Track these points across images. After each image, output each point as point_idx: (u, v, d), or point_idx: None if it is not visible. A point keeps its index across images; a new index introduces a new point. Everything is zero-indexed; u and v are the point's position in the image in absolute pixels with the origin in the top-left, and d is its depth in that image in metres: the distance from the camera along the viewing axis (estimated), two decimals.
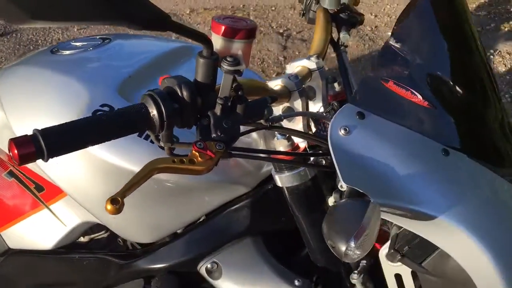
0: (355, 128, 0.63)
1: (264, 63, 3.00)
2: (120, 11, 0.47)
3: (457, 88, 0.70)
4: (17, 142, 0.51)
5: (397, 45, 0.69)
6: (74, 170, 0.84)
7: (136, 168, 0.76)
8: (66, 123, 0.55)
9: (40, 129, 0.52)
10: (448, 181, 0.64)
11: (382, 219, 0.67)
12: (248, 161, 0.83)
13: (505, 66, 2.93)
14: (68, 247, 1.02)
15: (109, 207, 0.53)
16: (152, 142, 0.77)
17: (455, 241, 0.65)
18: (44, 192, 0.99)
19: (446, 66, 0.71)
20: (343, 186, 0.62)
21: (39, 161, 0.85)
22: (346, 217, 0.57)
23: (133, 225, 0.87)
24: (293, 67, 0.84)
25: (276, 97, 0.70)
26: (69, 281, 1.02)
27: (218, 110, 0.62)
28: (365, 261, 0.81)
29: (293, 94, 0.79)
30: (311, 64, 0.83)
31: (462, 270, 0.67)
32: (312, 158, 0.76)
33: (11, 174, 1.03)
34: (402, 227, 0.71)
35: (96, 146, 0.57)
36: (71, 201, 0.94)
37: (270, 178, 0.83)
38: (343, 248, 0.55)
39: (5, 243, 1.10)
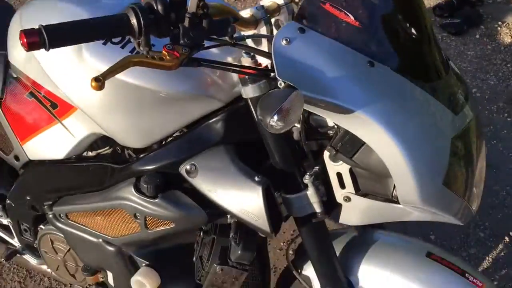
0: (295, 40, 0.78)
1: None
2: None
3: (386, 11, 0.84)
4: (26, 32, 0.68)
5: None
6: (86, 86, 1.02)
7: (139, 83, 0.94)
8: (64, 22, 0.72)
9: (44, 25, 0.69)
10: (369, 85, 0.80)
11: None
12: (222, 78, 0.98)
13: None
14: (77, 158, 1.21)
15: (93, 84, 0.70)
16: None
17: (374, 135, 0.80)
18: (58, 109, 1.17)
19: None
20: (281, 83, 0.77)
21: (57, 79, 1.02)
22: (274, 99, 0.73)
23: (128, 132, 1.04)
24: (265, 2, 0.99)
25: (238, 18, 0.86)
26: (77, 185, 1.21)
27: (186, 23, 0.78)
28: (317, 167, 0.97)
29: (260, 23, 0.95)
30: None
31: (382, 162, 0.82)
32: (272, 74, 0.92)
33: (32, 94, 1.22)
34: (340, 130, 0.87)
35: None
36: (80, 116, 1.11)
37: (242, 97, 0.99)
38: (268, 119, 0.71)
39: (26, 155, 1.30)
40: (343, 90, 0.78)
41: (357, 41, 0.81)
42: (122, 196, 1.07)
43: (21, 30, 0.68)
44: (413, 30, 0.88)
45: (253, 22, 0.93)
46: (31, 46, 0.69)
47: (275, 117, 0.71)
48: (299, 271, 1.18)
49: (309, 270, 1.15)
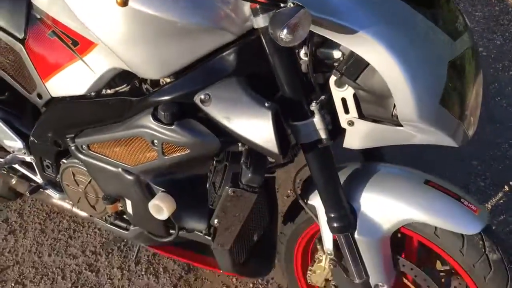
0: None
1: None
2: None
3: None
4: None
5: None
6: (109, 18, 1.07)
7: (156, 13, 1.00)
8: None
9: None
10: (374, 9, 0.86)
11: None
12: (234, 12, 1.03)
13: None
14: (97, 94, 1.28)
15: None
16: None
17: (377, 55, 0.86)
18: (79, 46, 1.24)
19: None
20: (290, 4, 0.83)
21: (80, 14, 1.08)
22: (284, 15, 0.79)
23: (146, 63, 1.10)
24: None
25: None
26: (98, 119, 1.28)
27: None
28: (323, 96, 1.04)
29: None
30: None
31: (384, 82, 0.89)
32: (282, 5, 0.97)
33: (53, 33, 1.28)
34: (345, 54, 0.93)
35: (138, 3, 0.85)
36: (101, 51, 1.18)
37: (254, 31, 1.05)
38: (278, 32, 0.77)
39: (48, 93, 1.37)
40: (349, 12, 0.84)
41: None
42: (141, 124, 1.15)
43: None
44: None
45: None
46: None
47: (285, 31, 0.77)
48: (305, 201, 1.26)
49: (314, 200, 1.23)
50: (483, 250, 1.10)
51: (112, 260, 1.84)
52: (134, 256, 1.78)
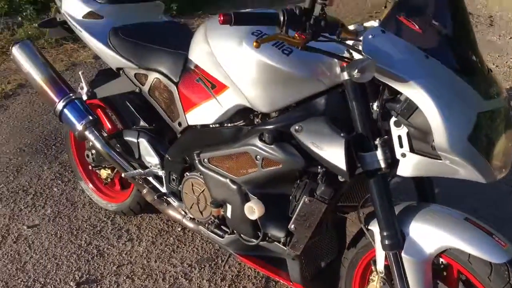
0: (378, 36, 1.26)
1: None
2: None
3: (440, 23, 1.29)
4: (222, 14, 1.23)
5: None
6: (243, 67, 1.54)
7: (276, 65, 1.45)
8: (242, 11, 1.27)
9: (233, 11, 1.25)
10: (423, 68, 1.23)
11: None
12: (328, 70, 1.45)
13: None
14: (221, 123, 1.75)
15: (254, 44, 1.22)
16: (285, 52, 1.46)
17: (423, 99, 1.22)
18: (215, 89, 1.73)
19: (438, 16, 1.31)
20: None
21: (224, 64, 1.59)
22: (358, 62, 1.19)
23: (262, 100, 1.54)
24: (366, 24, 1.48)
25: (344, 26, 1.35)
26: (219, 141, 1.72)
27: (312, 21, 1.29)
28: (386, 136, 1.39)
29: (358, 34, 1.43)
30: (374, 23, 1.47)
31: (427, 121, 1.23)
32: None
33: (199, 79, 1.79)
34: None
35: (260, 54, 1.34)
36: (230, 92, 1.66)
37: (341, 85, 1.45)
38: (352, 71, 1.18)
39: (187, 121, 1.87)
40: (405, 67, 1.23)
41: (419, 41, 1.26)
42: (249, 143, 1.58)
43: (220, 13, 1.24)
44: (459, 38, 1.31)
45: (354, 32, 1.41)
46: (224, 21, 1.24)
47: (356, 71, 1.18)
48: (366, 227, 1.56)
49: (373, 226, 1.52)
50: (508, 279, 1.32)
51: (203, 273, 2.21)
52: (225, 262, 2.14)
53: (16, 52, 2.24)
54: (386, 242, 1.42)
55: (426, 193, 1.59)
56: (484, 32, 5.24)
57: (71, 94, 2.14)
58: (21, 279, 2.20)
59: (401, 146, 1.35)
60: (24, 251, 2.37)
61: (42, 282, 2.18)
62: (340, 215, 1.80)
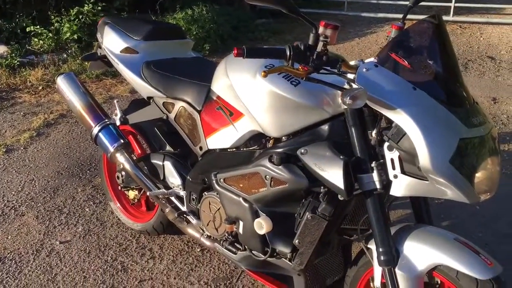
0: (371, 69, 1.44)
1: None
2: None
3: (428, 60, 1.45)
4: (237, 48, 1.44)
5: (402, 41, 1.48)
6: (256, 96, 1.74)
7: (285, 94, 1.64)
8: (256, 47, 1.46)
9: (246, 46, 1.45)
10: (410, 99, 1.39)
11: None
12: (332, 100, 1.63)
13: None
14: (237, 147, 1.93)
15: (262, 74, 1.42)
16: (293, 83, 1.65)
17: (408, 125, 1.37)
18: (233, 116, 1.92)
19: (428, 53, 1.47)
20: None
21: (241, 95, 1.80)
22: (351, 90, 1.36)
23: (273, 126, 1.72)
24: (366, 60, 1.66)
25: (345, 61, 1.53)
26: (236, 163, 1.90)
27: (314, 55, 1.47)
28: (381, 160, 1.54)
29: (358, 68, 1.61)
30: (373, 59, 1.65)
31: (413, 145, 1.38)
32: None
33: (219, 107, 1.99)
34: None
35: (271, 85, 1.55)
36: (245, 119, 1.85)
37: (343, 113, 1.62)
38: (345, 98, 1.35)
39: (207, 146, 2.07)
40: (394, 96, 1.39)
41: (407, 75, 1.43)
42: (260, 164, 1.75)
43: (235, 47, 1.44)
44: (445, 73, 1.47)
45: (354, 66, 1.59)
46: (238, 54, 1.43)
47: (348, 97, 1.35)
48: (366, 245, 1.69)
49: (372, 244, 1.65)
50: None
51: None
52: (237, 278, 2.27)
53: (61, 82, 2.51)
54: (382, 258, 1.55)
55: (422, 215, 1.72)
56: (506, 77, 5.34)
57: (106, 120, 2.38)
58: None
59: (393, 168, 1.49)
60: (55, 264, 2.57)
61: None
62: (345, 237, 1.93)
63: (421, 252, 1.53)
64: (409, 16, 1.87)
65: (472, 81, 5.28)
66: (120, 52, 2.46)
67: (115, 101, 2.48)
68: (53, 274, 2.49)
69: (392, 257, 1.54)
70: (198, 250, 2.65)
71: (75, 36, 6.08)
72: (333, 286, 1.96)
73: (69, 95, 2.47)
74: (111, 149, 2.34)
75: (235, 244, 2.02)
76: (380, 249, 1.55)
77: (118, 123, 2.42)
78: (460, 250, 1.49)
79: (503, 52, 6.15)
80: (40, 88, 5.14)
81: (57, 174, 3.49)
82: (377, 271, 1.61)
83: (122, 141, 2.35)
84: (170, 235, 2.75)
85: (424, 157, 1.37)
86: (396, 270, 1.54)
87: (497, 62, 5.74)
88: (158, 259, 2.59)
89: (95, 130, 2.37)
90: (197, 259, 2.57)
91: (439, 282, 1.59)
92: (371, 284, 1.69)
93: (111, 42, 2.51)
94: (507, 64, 5.71)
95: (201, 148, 2.12)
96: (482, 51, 6.32)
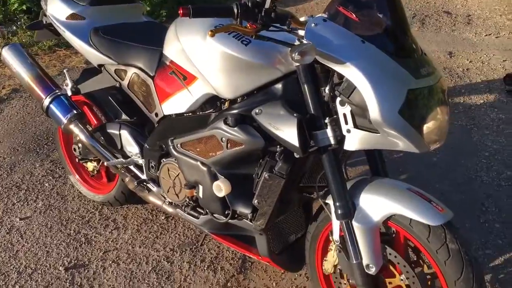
0: (319, 24, 1.42)
1: None
2: None
3: (377, 12, 1.45)
4: (182, 8, 1.39)
5: None
6: (207, 58, 1.71)
7: (235, 54, 1.61)
8: (201, 5, 1.43)
9: (191, 5, 1.41)
10: (359, 52, 1.39)
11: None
12: (284, 57, 1.61)
13: None
14: (193, 112, 1.91)
15: (210, 33, 1.38)
16: (244, 43, 1.62)
17: (358, 78, 1.37)
18: (186, 80, 1.89)
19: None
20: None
21: (193, 58, 1.76)
22: (300, 46, 1.35)
23: (226, 87, 1.69)
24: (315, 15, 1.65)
25: (294, 17, 1.51)
26: (191, 128, 1.87)
27: (262, 12, 1.44)
28: (334, 116, 1.54)
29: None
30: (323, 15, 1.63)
31: (364, 98, 1.39)
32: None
33: (173, 72, 1.95)
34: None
35: (221, 45, 1.52)
36: (199, 83, 1.82)
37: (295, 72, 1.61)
38: (293, 54, 1.34)
39: (162, 112, 2.03)
40: (343, 51, 1.39)
41: (356, 29, 1.42)
42: (216, 127, 1.73)
43: (178, 6, 1.40)
44: (393, 25, 1.47)
45: (303, 22, 1.57)
46: (184, 14, 1.39)
47: (296, 53, 1.34)
48: (324, 200, 1.71)
49: (330, 199, 1.67)
50: (444, 240, 1.47)
51: (184, 256, 2.36)
52: (201, 242, 2.29)
53: (6, 53, 2.40)
54: (339, 211, 1.57)
55: (377, 168, 1.74)
56: (461, 31, 5.43)
57: (56, 91, 2.30)
58: (13, 266, 2.35)
59: (346, 123, 1.50)
60: (16, 241, 2.52)
61: (33, 268, 2.33)
62: (305, 195, 1.95)
63: (376, 204, 1.56)
64: None
65: (429, 36, 5.34)
66: (66, 19, 2.36)
67: (65, 70, 2.39)
68: (15, 251, 2.45)
69: (348, 210, 1.57)
70: (163, 218, 2.64)
71: (24, 7, 5.80)
72: (296, 243, 1.99)
73: (16, 67, 2.37)
74: (64, 120, 2.27)
75: (197, 208, 2.02)
76: (337, 203, 1.58)
77: (69, 93, 2.34)
78: (413, 199, 1.52)
79: (458, 6, 6.23)
80: None
81: (13, 151, 3.39)
82: (335, 224, 1.64)
83: (75, 111, 2.28)
84: (133, 205, 2.74)
85: (373, 110, 1.38)
86: (353, 222, 1.57)
87: (453, 17, 5.81)
88: (122, 229, 2.58)
89: (46, 101, 2.29)
90: (162, 227, 2.57)
91: (394, 231, 1.63)
92: (331, 237, 1.73)
93: (56, 9, 2.40)
94: (463, 18, 5.79)
95: (156, 115, 2.08)
96: (438, 6, 6.38)
